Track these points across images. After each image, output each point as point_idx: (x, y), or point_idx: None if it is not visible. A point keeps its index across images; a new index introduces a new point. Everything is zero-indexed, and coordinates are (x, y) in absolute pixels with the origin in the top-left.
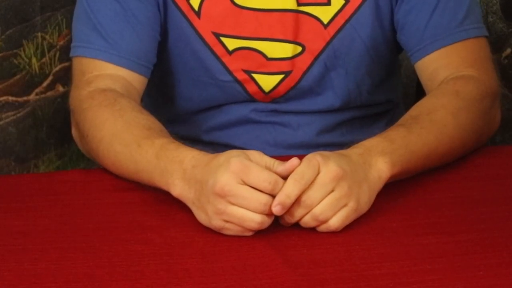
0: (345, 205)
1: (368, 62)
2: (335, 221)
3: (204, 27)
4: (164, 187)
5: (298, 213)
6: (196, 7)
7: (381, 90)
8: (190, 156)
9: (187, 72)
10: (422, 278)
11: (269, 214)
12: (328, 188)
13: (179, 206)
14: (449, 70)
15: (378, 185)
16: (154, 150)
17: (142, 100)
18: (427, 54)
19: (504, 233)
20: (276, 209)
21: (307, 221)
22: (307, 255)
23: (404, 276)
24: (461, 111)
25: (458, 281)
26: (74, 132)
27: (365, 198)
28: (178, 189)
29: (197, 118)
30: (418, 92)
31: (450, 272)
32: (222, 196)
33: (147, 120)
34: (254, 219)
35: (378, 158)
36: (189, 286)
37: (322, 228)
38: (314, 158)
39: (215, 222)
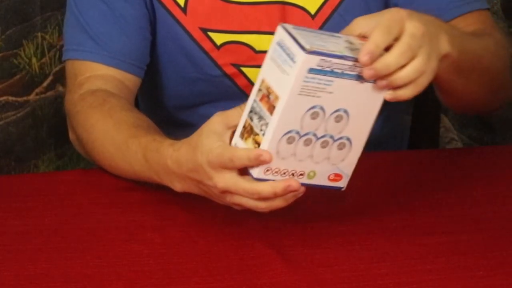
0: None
1: None
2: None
3: (191, 23)
4: (165, 184)
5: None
6: (182, 4)
7: None
8: (168, 156)
9: (177, 70)
10: (422, 278)
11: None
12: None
13: (179, 206)
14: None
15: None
16: (142, 151)
17: (139, 106)
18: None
19: (504, 233)
20: (365, 59)
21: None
22: (307, 255)
23: (404, 276)
24: (498, 44)
25: (458, 281)
26: (71, 136)
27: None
28: (179, 187)
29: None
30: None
31: (450, 272)
32: (225, 193)
33: (135, 118)
34: (259, 206)
35: (442, 31)
36: (189, 286)
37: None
38: (398, 13)
39: (224, 201)
